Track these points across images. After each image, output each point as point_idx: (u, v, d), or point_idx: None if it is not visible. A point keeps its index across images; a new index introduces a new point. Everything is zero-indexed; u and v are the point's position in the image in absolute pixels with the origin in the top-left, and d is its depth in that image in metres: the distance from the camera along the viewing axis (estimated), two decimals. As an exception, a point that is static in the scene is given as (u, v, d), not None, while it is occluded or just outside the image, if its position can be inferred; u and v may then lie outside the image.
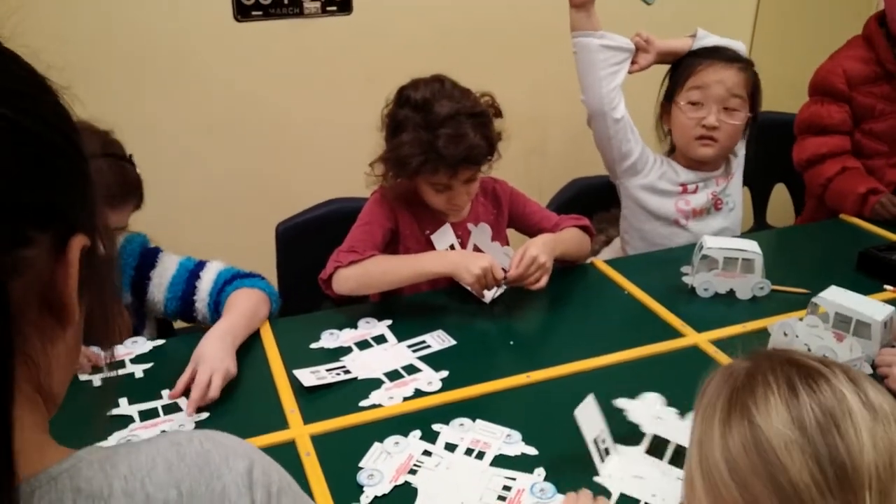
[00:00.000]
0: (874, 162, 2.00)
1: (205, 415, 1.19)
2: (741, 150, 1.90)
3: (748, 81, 1.76)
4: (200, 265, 1.48)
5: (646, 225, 1.89)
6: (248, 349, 1.37)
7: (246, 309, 1.40)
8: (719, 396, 0.67)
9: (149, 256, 1.47)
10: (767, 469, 0.61)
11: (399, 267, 1.48)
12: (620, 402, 1.16)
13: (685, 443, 1.04)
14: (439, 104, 1.42)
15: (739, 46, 1.85)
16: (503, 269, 1.49)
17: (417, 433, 1.14)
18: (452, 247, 1.58)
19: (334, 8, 2.48)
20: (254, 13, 2.40)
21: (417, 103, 1.44)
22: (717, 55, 1.79)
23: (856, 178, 1.94)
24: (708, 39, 1.83)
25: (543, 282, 1.49)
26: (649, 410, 1.15)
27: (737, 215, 1.93)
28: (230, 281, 1.45)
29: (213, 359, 1.23)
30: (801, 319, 1.32)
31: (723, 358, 1.32)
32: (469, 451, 1.10)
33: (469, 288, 1.51)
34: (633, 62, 1.82)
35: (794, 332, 1.29)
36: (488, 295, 1.51)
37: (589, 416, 1.07)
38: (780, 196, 2.40)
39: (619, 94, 1.78)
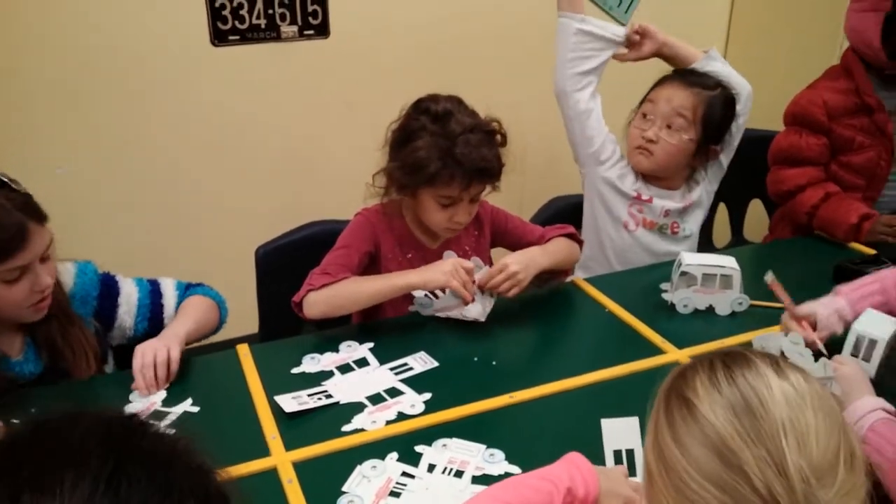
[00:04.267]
0: (850, 195, 1.95)
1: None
2: (706, 182, 1.91)
3: (701, 106, 1.77)
4: (155, 283, 1.50)
5: (599, 220, 1.92)
6: (228, 375, 1.35)
7: (196, 313, 1.46)
8: (662, 394, 0.75)
9: (109, 283, 1.45)
10: (700, 429, 0.68)
11: (368, 286, 1.48)
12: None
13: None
14: (457, 118, 1.44)
15: (741, 82, 1.86)
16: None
17: (395, 455, 1.13)
18: None
19: (311, 32, 2.49)
20: (231, 38, 2.40)
21: (437, 114, 1.45)
22: (682, 76, 1.82)
23: (843, 206, 1.89)
24: (713, 64, 1.85)
25: (512, 292, 1.49)
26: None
27: (690, 246, 1.93)
28: (185, 291, 1.51)
29: (149, 346, 1.32)
30: (786, 335, 1.32)
31: (704, 374, 1.33)
32: (446, 470, 1.10)
33: (462, 314, 1.51)
34: (630, 49, 1.87)
35: (779, 347, 1.29)
36: (478, 311, 1.50)
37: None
38: (756, 212, 2.43)
39: (584, 80, 1.82)
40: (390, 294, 1.48)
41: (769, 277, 1.43)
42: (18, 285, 1.24)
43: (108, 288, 1.44)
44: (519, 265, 1.49)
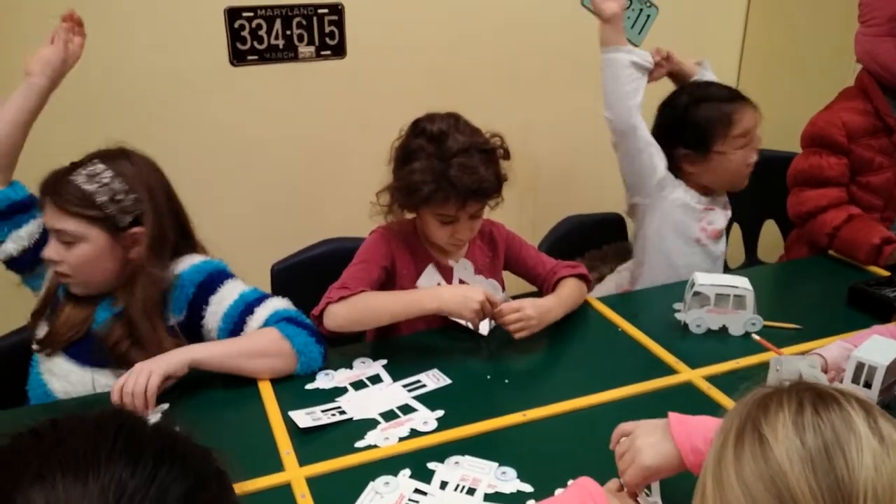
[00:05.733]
0: (869, 215, 1.94)
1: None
2: None
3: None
4: (259, 301, 1.44)
5: (669, 243, 1.90)
6: (243, 390, 1.36)
7: (241, 346, 1.38)
8: (736, 415, 0.70)
9: (214, 279, 1.44)
10: (770, 477, 0.62)
11: (390, 303, 1.48)
12: None
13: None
14: (453, 137, 1.45)
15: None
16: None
17: (407, 472, 1.14)
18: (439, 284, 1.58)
19: (328, 52, 2.53)
20: (249, 58, 2.44)
21: (433, 134, 1.46)
22: (739, 98, 1.84)
23: (866, 227, 1.88)
24: (708, 73, 1.91)
25: (522, 334, 1.48)
26: None
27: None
28: (277, 322, 1.41)
29: (133, 370, 1.28)
30: (804, 358, 1.31)
31: (717, 394, 1.33)
32: (459, 488, 1.10)
33: (467, 323, 1.51)
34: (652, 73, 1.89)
35: (797, 370, 1.27)
36: (484, 326, 1.51)
37: None
38: (770, 232, 2.43)
39: (639, 110, 1.83)
40: (411, 316, 1.47)
41: (756, 337, 1.51)
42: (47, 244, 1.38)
43: (210, 282, 1.44)
44: (535, 311, 1.49)
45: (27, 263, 1.47)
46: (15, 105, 1.43)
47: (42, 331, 1.44)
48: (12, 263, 1.48)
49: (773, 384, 0.72)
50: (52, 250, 1.36)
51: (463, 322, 1.52)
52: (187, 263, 1.46)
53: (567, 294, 1.62)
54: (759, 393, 0.71)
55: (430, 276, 1.58)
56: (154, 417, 1.24)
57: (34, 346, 1.44)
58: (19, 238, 1.44)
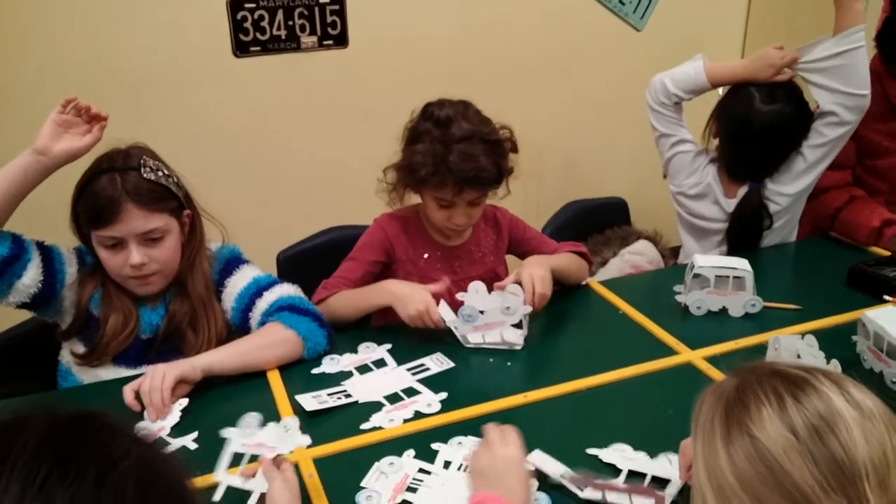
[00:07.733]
0: (874, 199, 1.96)
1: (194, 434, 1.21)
2: None
3: None
4: (270, 285, 1.49)
5: None
6: (251, 375, 1.39)
7: (253, 345, 1.40)
8: (715, 415, 0.71)
9: (231, 263, 1.51)
10: (774, 477, 0.64)
11: (351, 301, 1.54)
12: (592, 451, 1.16)
13: (659, 474, 1.08)
14: (458, 124, 1.47)
15: None
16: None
17: (412, 452, 1.16)
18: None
19: (330, 42, 2.54)
20: (252, 49, 2.46)
21: (440, 119, 1.49)
22: None
23: (867, 209, 1.89)
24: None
25: (545, 298, 1.49)
26: (621, 455, 1.14)
27: None
28: (283, 308, 1.44)
29: (151, 369, 1.28)
30: (802, 337, 1.32)
31: (717, 374, 1.35)
32: (462, 467, 1.13)
33: (491, 340, 1.48)
34: None
35: (795, 349, 1.28)
36: (513, 336, 1.48)
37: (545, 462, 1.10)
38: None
39: None
40: (367, 311, 1.55)
41: None
42: (115, 255, 1.36)
43: (227, 267, 1.51)
44: (540, 267, 1.51)
45: (40, 303, 1.40)
46: (17, 182, 1.31)
47: (77, 346, 1.44)
48: (27, 307, 1.41)
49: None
50: (139, 255, 1.35)
51: (495, 338, 1.48)
52: (212, 248, 1.53)
53: (562, 257, 1.65)
54: (727, 389, 0.72)
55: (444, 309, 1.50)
56: (174, 414, 1.26)
57: (77, 361, 1.42)
58: (25, 287, 1.36)
